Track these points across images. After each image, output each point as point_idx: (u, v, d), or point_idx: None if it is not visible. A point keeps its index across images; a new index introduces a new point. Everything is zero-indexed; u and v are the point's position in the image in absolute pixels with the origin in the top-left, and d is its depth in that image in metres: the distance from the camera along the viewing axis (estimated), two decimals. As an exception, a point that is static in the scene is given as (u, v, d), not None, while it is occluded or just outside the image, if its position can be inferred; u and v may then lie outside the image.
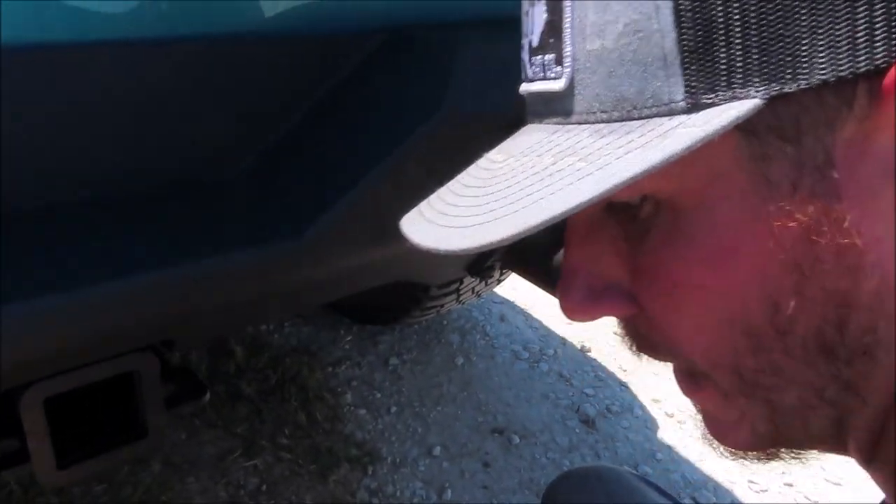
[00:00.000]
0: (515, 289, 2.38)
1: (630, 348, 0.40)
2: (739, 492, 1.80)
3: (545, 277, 1.01)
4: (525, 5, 0.38)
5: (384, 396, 1.91)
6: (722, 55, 0.28)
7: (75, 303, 0.67)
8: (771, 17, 0.28)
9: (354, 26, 0.87)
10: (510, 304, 2.32)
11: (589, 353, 2.18)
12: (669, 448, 1.93)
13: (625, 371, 2.15)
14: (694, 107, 0.29)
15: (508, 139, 0.40)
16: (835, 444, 0.36)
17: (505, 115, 0.91)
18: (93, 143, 0.72)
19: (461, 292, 1.86)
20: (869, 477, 0.36)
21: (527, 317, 2.28)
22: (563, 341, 2.21)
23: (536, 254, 1.01)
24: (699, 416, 0.42)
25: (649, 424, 1.99)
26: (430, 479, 1.70)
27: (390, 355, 2.04)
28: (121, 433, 0.84)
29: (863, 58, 0.27)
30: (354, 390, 1.91)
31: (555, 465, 1.80)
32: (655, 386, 2.10)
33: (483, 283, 1.90)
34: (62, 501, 1.50)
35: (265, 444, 1.70)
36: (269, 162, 0.80)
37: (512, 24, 1.00)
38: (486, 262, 1.04)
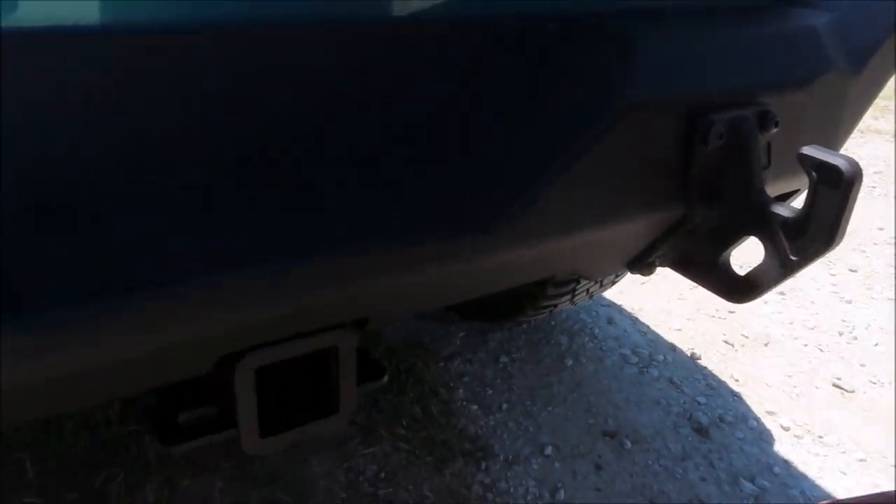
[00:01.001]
0: (622, 292, 2.35)
1: None
2: (866, 513, 1.72)
3: (711, 276, 0.99)
4: None
5: (495, 393, 1.92)
6: None
7: (290, 274, 0.70)
8: None
9: (531, 12, 0.88)
10: (617, 308, 2.29)
11: (699, 361, 2.13)
12: (787, 463, 1.86)
13: (737, 381, 2.08)
14: None
15: None
16: None
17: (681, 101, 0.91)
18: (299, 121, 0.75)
19: (576, 292, 1.85)
20: None
21: (634, 321, 2.25)
22: (673, 348, 2.16)
23: (703, 252, 0.99)
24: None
25: (765, 437, 1.93)
26: (542, 479, 1.70)
27: (500, 353, 2.05)
28: (315, 408, 0.88)
29: None
30: (466, 386, 1.93)
31: (668, 473, 1.77)
32: (770, 398, 2.03)
33: (598, 283, 1.89)
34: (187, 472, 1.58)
35: (383, 433, 1.74)
36: (453, 149, 0.81)
37: (687, 13, 0.99)
38: (648, 258, 1.03)
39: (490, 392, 1.92)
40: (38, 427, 1.62)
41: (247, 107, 0.69)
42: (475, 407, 1.87)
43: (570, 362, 2.05)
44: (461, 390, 1.91)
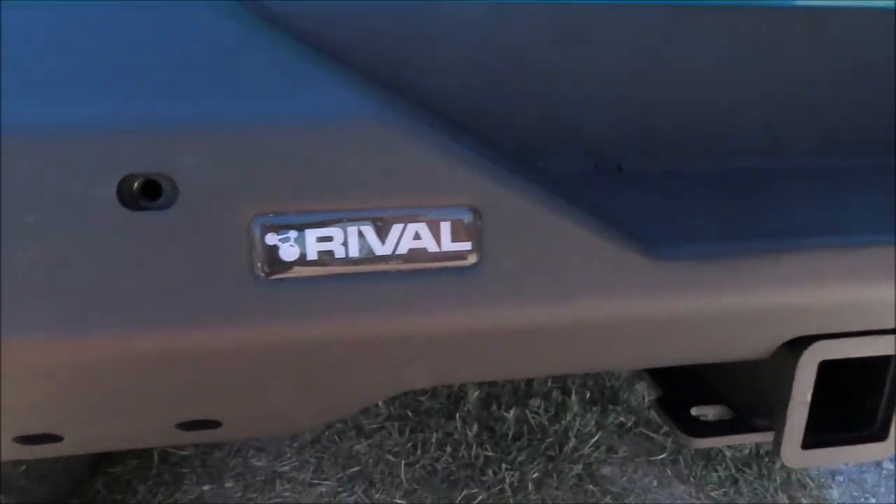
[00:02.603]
0: None
1: None
2: None
3: None
4: None
5: None
6: None
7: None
8: None
9: None
10: None
11: None
12: None
13: None
14: None
15: None
16: None
17: None
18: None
19: None
20: None
21: None
22: None
23: None
24: None
25: None
26: None
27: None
28: (854, 429, 0.79)
29: None
30: (841, 487, 1.66)
31: None
32: None
33: None
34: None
35: (746, 516, 1.56)
36: None
37: None
38: None
39: (872, 501, 1.63)
40: (408, 435, 1.74)
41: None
42: (855, 513, 1.59)
43: (980, 485, 1.66)
44: (835, 490, 1.65)
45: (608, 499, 1.60)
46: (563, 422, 1.77)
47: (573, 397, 1.82)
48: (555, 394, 1.85)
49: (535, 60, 0.70)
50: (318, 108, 0.51)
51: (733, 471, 1.67)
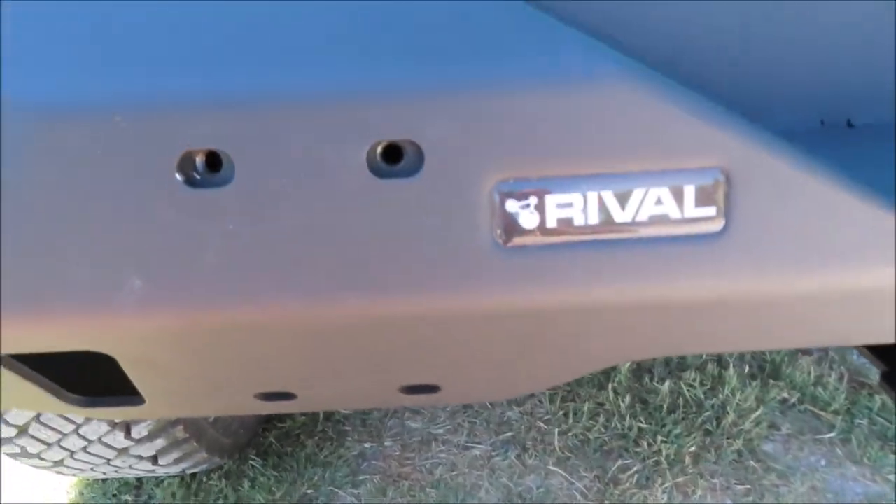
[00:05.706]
0: None
1: None
2: None
3: None
4: None
5: None
6: None
7: None
8: None
9: None
10: None
11: None
12: None
13: None
14: None
15: None
16: None
17: None
18: None
19: None
20: None
21: None
22: None
23: None
24: None
25: None
26: None
27: None
28: None
29: None
30: None
31: None
32: None
33: None
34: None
35: (931, 503, 1.45)
36: None
37: None
38: None
39: None
40: (559, 404, 1.76)
41: None
42: None
43: None
44: None
45: (772, 476, 1.54)
46: (720, 396, 1.72)
47: (731, 370, 1.75)
48: (710, 367, 1.79)
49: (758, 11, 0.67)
50: (566, 68, 0.51)
51: (914, 454, 1.56)
